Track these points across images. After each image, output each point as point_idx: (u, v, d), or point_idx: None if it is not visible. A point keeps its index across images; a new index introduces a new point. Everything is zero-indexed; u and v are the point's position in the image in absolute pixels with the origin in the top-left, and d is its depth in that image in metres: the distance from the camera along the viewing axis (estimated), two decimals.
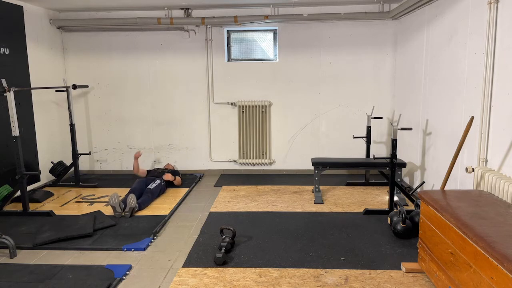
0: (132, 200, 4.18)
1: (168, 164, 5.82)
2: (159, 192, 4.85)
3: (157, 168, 5.51)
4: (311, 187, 5.25)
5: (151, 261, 3.23)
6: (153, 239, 3.65)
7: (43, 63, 5.48)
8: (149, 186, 4.76)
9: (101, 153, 6.20)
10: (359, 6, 5.52)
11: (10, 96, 4.10)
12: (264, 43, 5.87)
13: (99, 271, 3.01)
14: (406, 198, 4.52)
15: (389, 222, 3.77)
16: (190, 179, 5.68)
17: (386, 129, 5.87)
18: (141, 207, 4.37)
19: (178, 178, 5.33)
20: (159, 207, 4.48)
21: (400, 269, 3.02)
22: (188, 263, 3.15)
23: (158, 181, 4.93)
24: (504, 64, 2.97)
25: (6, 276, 2.95)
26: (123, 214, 4.17)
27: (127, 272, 3.03)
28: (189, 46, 5.84)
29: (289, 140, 5.99)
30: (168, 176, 5.17)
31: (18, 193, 4.60)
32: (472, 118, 3.17)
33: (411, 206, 4.42)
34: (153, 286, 2.84)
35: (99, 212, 4.26)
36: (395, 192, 4.66)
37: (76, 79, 5.99)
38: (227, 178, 5.77)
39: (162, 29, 5.78)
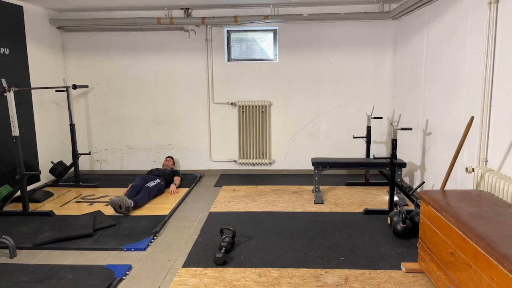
0: (125, 201, 4.21)
1: (169, 158, 5.80)
2: (157, 191, 4.86)
3: (158, 169, 5.51)
4: (311, 187, 5.25)
5: (151, 261, 3.23)
6: (153, 239, 3.65)
7: (43, 63, 5.47)
8: (147, 184, 4.79)
9: (101, 153, 6.20)
10: (359, 6, 5.52)
11: (10, 96, 4.10)
12: (264, 43, 5.87)
13: (99, 271, 3.01)
14: (406, 198, 4.52)
15: (389, 222, 3.77)
16: (190, 179, 5.67)
17: (386, 129, 5.87)
18: (137, 204, 4.39)
19: (177, 177, 5.34)
20: (159, 207, 4.48)
21: (400, 269, 3.02)
22: (188, 263, 3.15)
23: (157, 180, 4.95)
24: (504, 64, 2.97)
25: (6, 276, 2.95)
26: (121, 213, 4.23)
27: (127, 272, 3.03)
28: (189, 46, 5.83)
29: (289, 140, 5.99)
30: (177, 180, 5.28)
31: (18, 193, 4.60)
32: (472, 118, 3.17)
33: (411, 206, 4.42)
34: (153, 286, 2.84)
35: (99, 212, 4.27)
36: (395, 192, 4.66)
37: (76, 79, 5.99)
38: (227, 178, 5.77)
39: (162, 29, 5.78)
